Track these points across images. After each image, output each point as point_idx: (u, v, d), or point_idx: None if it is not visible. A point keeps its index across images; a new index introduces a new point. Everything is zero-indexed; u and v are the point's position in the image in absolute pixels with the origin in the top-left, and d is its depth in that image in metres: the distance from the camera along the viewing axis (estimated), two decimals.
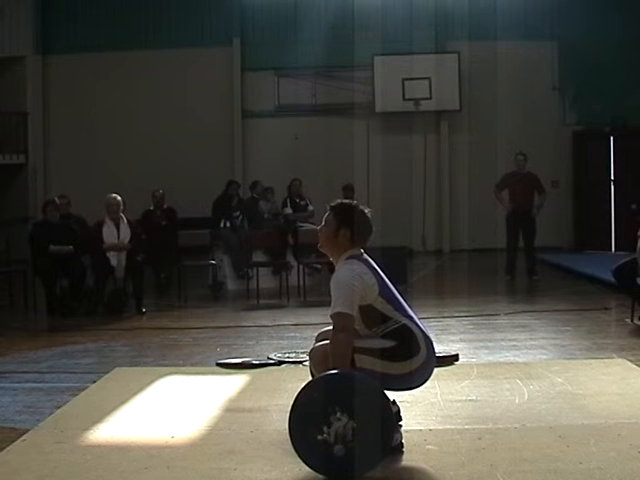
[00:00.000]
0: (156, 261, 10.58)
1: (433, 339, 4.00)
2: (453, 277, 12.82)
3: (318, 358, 3.91)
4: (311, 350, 4.04)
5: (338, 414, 3.55)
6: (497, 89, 15.25)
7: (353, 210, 4.02)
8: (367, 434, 3.56)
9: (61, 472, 3.72)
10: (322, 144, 15.23)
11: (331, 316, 3.80)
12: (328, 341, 3.86)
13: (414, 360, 3.84)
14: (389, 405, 3.81)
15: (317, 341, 4.15)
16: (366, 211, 4.07)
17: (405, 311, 3.96)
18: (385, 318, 3.88)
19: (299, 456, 3.65)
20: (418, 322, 3.97)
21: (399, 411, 4.12)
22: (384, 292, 3.92)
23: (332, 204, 4.10)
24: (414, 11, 15.82)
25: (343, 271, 3.91)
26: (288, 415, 3.66)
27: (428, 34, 15.63)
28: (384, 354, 3.80)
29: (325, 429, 3.56)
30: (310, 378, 3.93)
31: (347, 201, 4.15)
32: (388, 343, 3.83)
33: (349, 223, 3.95)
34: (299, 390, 3.70)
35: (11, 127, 15.91)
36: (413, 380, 3.94)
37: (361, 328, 3.92)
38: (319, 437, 3.56)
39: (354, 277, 3.84)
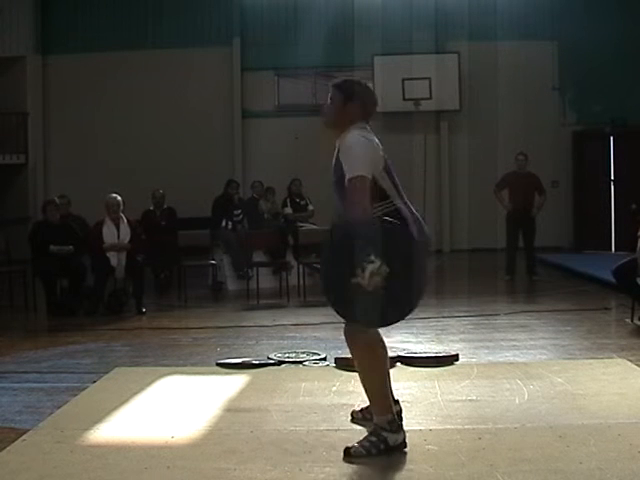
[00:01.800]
0: (156, 261, 10.59)
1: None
2: (453, 277, 12.82)
3: (354, 336, 3.83)
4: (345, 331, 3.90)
5: (372, 256, 3.49)
6: (497, 89, 15.28)
7: (358, 84, 4.00)
8: (400, 279, 3.54)
9: (61, 472, 3.72)
10: (322, 144, 15.22)
11: (350, 179, 3.67)
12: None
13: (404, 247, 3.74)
14: (421, 253, 3.74)
15: None
16: (369, 85, 4.06)
17: (402, 195, 3.91)
18: (384, 196, 3.83)
19: (333, 304, 3.67)
20: (411, 207, 3.92)
21: (401, 411, 4.13)
22: (388, 167, 3.89)
23: (334, 82, 4.06)
24: (414, 11, 15.83)
25: (355, 136, 3.80)
26: (321, 263, 3.62)
27: (428, 34, 15.65)
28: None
29: (359, 272, 3.50)
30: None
31: (349, 79, 4.11)
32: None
33: (356, 96, 3.90)
34: (326, 238, 3.72)
35: (11, 127, 15.91)
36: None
37: None
38: (352, 280, 3.51)
39: (369, 142, 3.79)
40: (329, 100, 4.03)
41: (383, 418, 3.84)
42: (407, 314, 3.77)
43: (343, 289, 3.60)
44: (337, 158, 3.88)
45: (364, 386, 3.90)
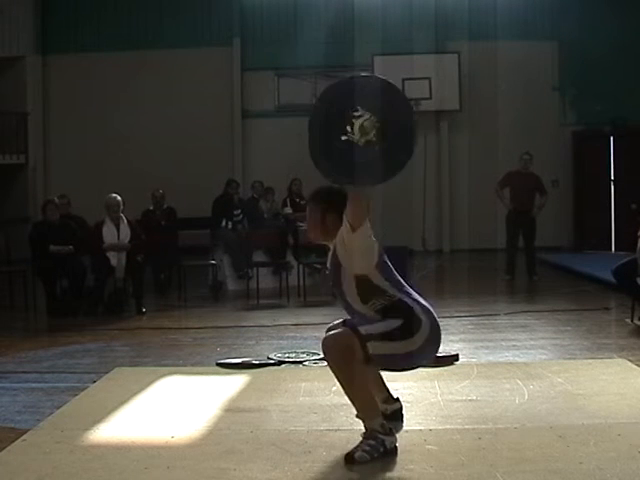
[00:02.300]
0: (156, 261, 10.58)
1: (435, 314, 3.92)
2: (453, 277, 12.83)
3: (329, 343, 3.83)
4: (322, 341, 3.91)
5: (360, 112, 3.48)
6: (497, 89, 15.27)
7: (331, 192, 3.92)
8: (392, 132, 3.51)
9: (61, 472, 3.72)
10: None
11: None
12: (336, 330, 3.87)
13: (417, 336, 3.77)
14: (411, 107, 3.70)
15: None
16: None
17: (401, 286, 3.90)
18: (380, 291, 3.82)
19: (322, 169, 3.60)
20: (416, 296, 3.91)
21: (401, 408, 4.13)
22: (382, 266, 3.87)
23: (309, 196, 4.02)
24: (414, 11, 15.84)
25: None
26: (308, 126, 3.55)
27: (428, 34, 15.63)
28: (392, 336, 3.74)
29: (348, 128, 3.48)
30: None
31: (322, 187, 4.02)
32: (393, 324, 3.77)
33: (333, 206, 3.85)
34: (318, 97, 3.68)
35: (11, 127, 15.90)
36: (421, 357, 3.88)
37: (356, 302, 3.87)
38: (343, 138, 3.49)
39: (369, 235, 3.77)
40: (308, 215, 3.99)
41: (375, 422, 3.83)
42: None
43: (334, 151, 3.54)
44: (334, 252, 3.89)
45: (348, 396, 3.87)
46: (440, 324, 3.89)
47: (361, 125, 3.49)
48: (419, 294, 3.96)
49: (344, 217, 3.73)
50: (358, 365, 3.79)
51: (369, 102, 3.52)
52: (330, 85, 3.73)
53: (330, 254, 3.95)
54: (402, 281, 3.94)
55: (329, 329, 4.10)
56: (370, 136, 3.51)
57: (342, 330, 3.87)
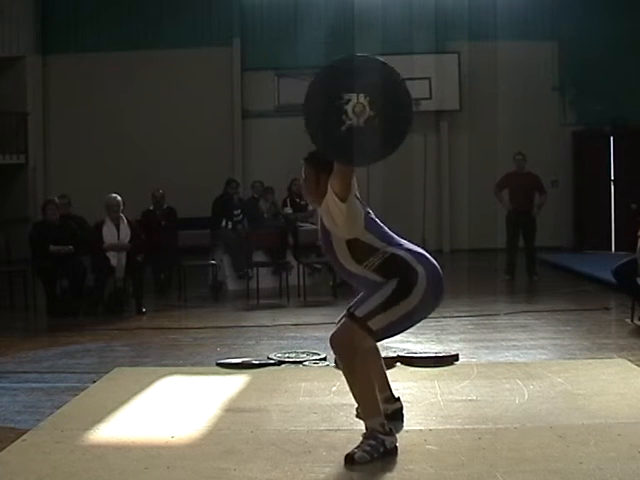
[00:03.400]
0: (156, 261, 10.58)
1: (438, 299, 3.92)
2: (453, 277, 12.82)
3: (333, 341, 3.86)
4: (329, 339, 3.92)
5: (346, 96, 3.52)
6: (497, 89, 15.27)
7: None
8: (385, 102, 3.55)
9: (61, 472, 3.72)
10: None
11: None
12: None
13: (415, 291, 3.78)
14: (404, 84, 3.71)
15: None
16: None
17: (392, 239, 3.91)
18: (372, 249, 3.84)
19: (338, 160, 3.63)
20: (409, 245, 3.91)
21: (402, 408, 4.12)
22: (369, 223, 3.89)
23: (305, 158, 4.02)
24: (414, 11, 15.83)
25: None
26: (305, 126, 3.58)
27: (428, 34, 15.63)
28: (390, 302, 3.75)
29: (344, 117, 3.51)
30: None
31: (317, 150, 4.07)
32: (388, 289, 3.77)
33: (326, 167, 3.84)
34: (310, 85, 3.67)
35: (11, 127, 15.91)
36: (426, 308, 3.90)
37: (351, 265, 3.87)
38: (343, 128, 3.51)
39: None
40: (303, 175, 4.01)
41: (375, 420, 3.82)
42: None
43: (340, 142, 3.56)
44: (322, 221, 3.92)
45: (352, 391, 3.89)
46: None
47: (353, 108, 3.52)
48: (411, 242, 3.96)
49: (329, 187, 3.74)
50: (364, 360, 3.80)
51: (354, 83, 3.55)
52: (311, 83, 3.70)
53: (319, 223, 3.96)
54: (391, 233, 3.95)
55: (338, 322, 4.10)
56: (366, 114, 3.53)
57: (342, 323, 3.88)
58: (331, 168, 3.74)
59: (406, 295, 3.76)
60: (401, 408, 4.11)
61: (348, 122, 3.52)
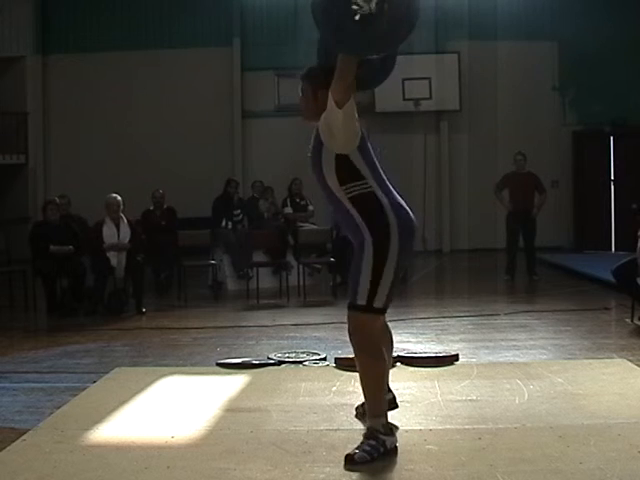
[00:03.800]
0: (156, 261, 10.59)
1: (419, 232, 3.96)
2: (453, 277, 12.82)
3: (351, 335, 3.86)
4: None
5: None
6: (497, 89, 15.27)
7: (323, 71, 3.89)
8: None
9: (61, 472, 3.72)
10: None
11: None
12: None
13: (392, 247, 3.77)
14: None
15: None
16: None
17: (377, 172, 3.90)
18: (358, 175, 3.83)
19: (353, 53, 3.59)
20: (389, 188, 3.90)
21: (394, 398, 4.12)
22: (363, 145, 3.87)
23: (301, 76, 4.00)
24: None
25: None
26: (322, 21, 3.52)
27: (428, 34, 15.61)
28: (378, 272, 3.75)
29: (354, 7, 3.41)
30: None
31: (313, 66, 4.04)
32: (368, 259, 3.77)
33: (323, 83, 3.81)
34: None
35: (11, 127, 15.90)
36: (407, 255, 3.89)
37: (334, 184, 3.85)
38: (356, 17, 3.41)
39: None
40: (300, 93, 4.00)
41: (378, 420, 3.82)
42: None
43: (354, 32, 3.49)
44: (317, 132, 3.88)
45: (362, 383, 3.87)
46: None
47: None
48: (393, 187, 3.95)
49: (329, 96, 3.70)
50: (382, 356, 3.81)
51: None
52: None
53: (313, 136, 3.92)
54: (378, 166, 3.93)
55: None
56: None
57: (351, 317, 3.84)
58: (328, 83, 3.71)
59: (385, 256, 3.77)
60: (394, 398, 4.13)
61: (360, 10, 3.42)
